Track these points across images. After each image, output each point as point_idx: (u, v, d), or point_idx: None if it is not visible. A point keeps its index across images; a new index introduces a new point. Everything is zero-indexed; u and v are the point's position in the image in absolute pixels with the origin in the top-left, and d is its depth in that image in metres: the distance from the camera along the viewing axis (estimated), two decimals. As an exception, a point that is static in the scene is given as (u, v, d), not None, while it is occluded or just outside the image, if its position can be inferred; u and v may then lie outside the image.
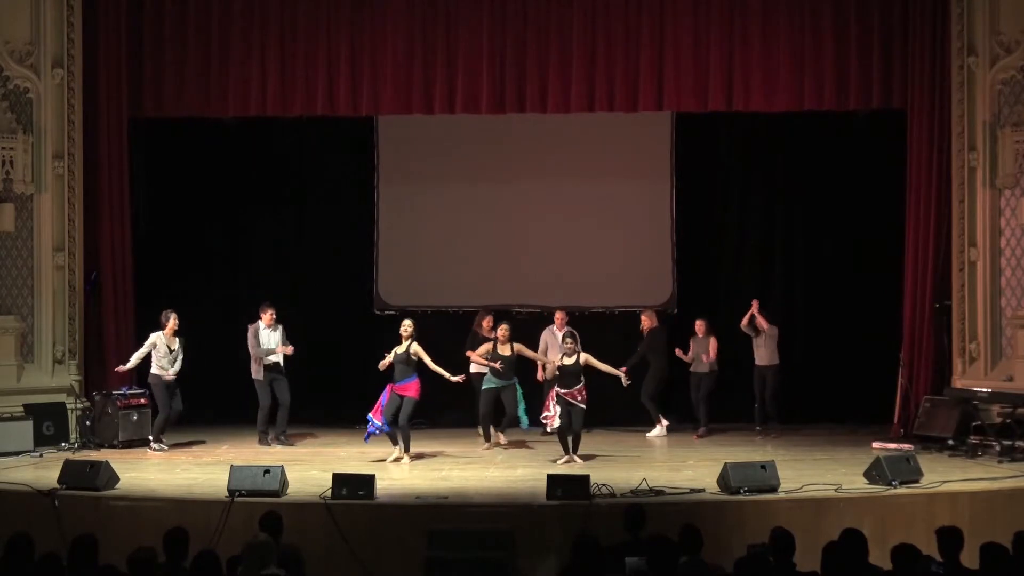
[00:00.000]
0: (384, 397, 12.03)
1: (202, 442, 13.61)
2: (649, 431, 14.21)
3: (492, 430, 13.09)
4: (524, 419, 12.94)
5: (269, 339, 13.28)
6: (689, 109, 14.09)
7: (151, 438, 13.04)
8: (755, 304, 14.02)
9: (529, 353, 13.24)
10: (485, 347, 13.15)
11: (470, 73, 13.82)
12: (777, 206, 15.67)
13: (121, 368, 13.07)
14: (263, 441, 13.28)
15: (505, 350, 12.93)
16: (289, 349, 13.25)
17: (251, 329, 13.28)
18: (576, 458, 12.10)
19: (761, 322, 13.95)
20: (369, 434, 12.18)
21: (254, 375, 13.27)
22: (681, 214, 15.45)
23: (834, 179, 15.19)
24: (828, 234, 15.29)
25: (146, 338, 13.16)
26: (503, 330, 13.02)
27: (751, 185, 15.77)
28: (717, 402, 14.32)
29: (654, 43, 13.75)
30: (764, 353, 14.00)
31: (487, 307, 14.32)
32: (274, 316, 13.33)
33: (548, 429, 12.30)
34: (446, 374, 12.22)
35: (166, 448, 13.01)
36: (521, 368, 13.32)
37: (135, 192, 14.56)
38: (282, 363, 13.36)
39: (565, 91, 13.81)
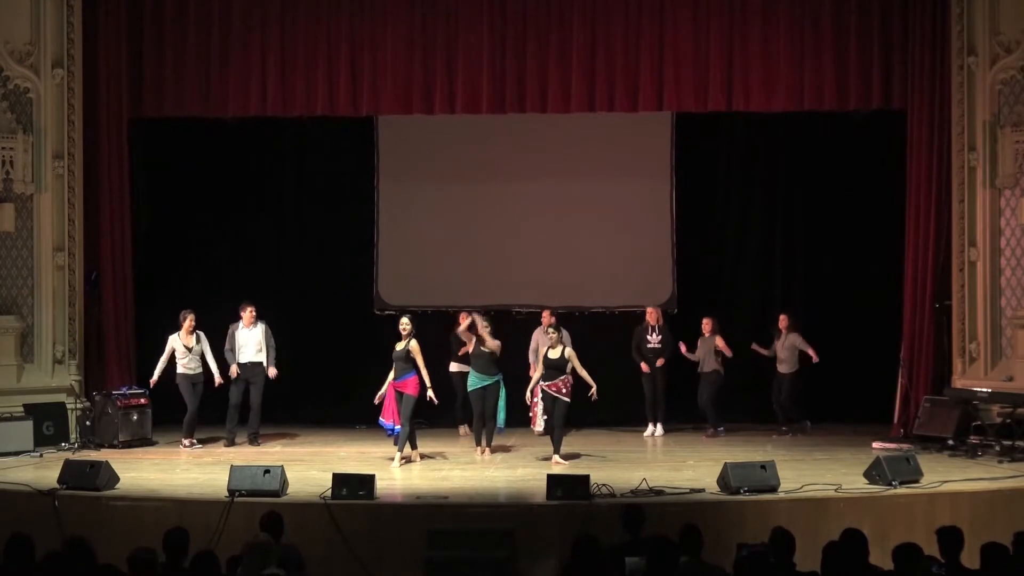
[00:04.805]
0: (390, 397, 11.96)
1: (214, 439, 13.62)
2: (649, 430, 14.27)
3: (482, 440, 12.78)
4: (502, 419, 12.66)
5: (247, 339, 13.32)
6: (689, 109, 14.09)
7: (183, 437, 13.14)
8: (782, 320, 14.14)
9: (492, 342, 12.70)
10: (466, 350, 12.94)
11: (470, 73, 13.82)
12: (777, 206, 15.67)
13: (152, 381, 13.20)
14: (231, 442, 13.29)
15: (487, 346, 12.68)
16: (218, 379, 13.31)
17: (230, 329, 13.39)
18: (558, 458, 11.98)
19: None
20: (391, 434, 12.08)
21: (231, 374, 13.35)
22: (681, 214, 15.45)
23: (834, 179, 15.19)
24: (828, 234, 15.28)
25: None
26: (485, 325, 12.71)
27: (751, 185, 15.76)
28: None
29: (654, 43, 13.75)
30: (782, 360, 14.06)
31: (471, 307, 14.31)
32: (254, 314, 13.35)
33: (535, 431, 12.20)
34: (428, 383, 11.97)
35: (199, 446, 13.14)
36: (505, 364, 12.93)
37: (135, 192, 14.57)
38: (265, 363, 13.39)
39: (565, 91, 13.81)
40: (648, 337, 14.20)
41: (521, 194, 15.55)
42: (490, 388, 12.58)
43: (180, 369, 13.20)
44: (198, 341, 13.29)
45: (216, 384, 13.33)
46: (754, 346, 14.29)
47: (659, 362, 14.09)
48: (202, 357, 13.31)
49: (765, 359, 14.27)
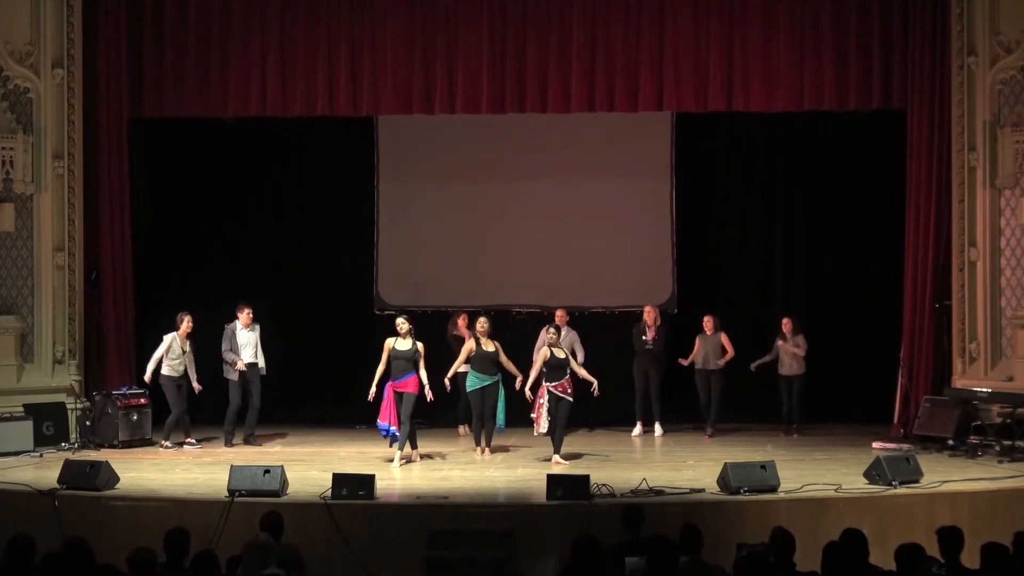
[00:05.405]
0: (388, 399, 11.97)
1: (209, 439, 13.65)
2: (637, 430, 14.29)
3: (481, 440, 12.74)
4: (502, 419, 12.62)
5: (246, 340, 13.32)
6: (689, 109, 14.08)
7: (163, 438, 13.14)
8: (785, 324, 14.10)
9: (507, 363, 12.65)
10: (467, 349, 12.72)
11: (470, 73, 13.82)
12: (777, 206, 15.68)
13: (146, 378, 13.18)
14: (229, 442, 13.27)
15: (488, 346, 12.57)
16: (197, 386, 13.27)
17: (227, 329, 13.34)
18: (558, 458, 11.97)
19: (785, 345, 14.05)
20: (390, 436, 12.07)
21: (226, 375, 13.34)
22: (681, 214, 15.45)
23: (834, 179, 15.19)
24: (828, 234, 15.28)
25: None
26: (482, 323, 12.65)
27: (751, 185, 15.76)
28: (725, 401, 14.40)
29: (654, 43, 13.75)
30: (789, 362, 14.04)
31: (471, 307, 14.31)
32: (251, 315, 13.35)
33: (536, 432, 12.14)
34: (426, 384, 11.96)
35: (198, 445, 13.17)
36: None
37: (135, 192, 14.57)
38: (261, 364, 13.40)
39: (565, 91, 13.81)
40: (644, 337, 14.19)
41: (521, 194, 15.55)
42: (489, 388, 12.55)
43: (166, 370, 13.14)
44: (191, 345, 13.29)
45: (197, 390, 13.30)
46: (754, 366, 14.22)
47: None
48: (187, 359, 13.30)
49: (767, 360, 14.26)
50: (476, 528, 9.60)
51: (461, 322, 14.20)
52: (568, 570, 7.12)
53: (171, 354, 13.16)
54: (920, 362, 13.55)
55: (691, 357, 14.23)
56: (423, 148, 15.62)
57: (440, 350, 13.56)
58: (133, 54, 14.02)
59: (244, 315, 13.34)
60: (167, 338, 13.19)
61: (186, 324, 13.21)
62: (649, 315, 14.23)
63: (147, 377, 13.21)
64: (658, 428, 14.25)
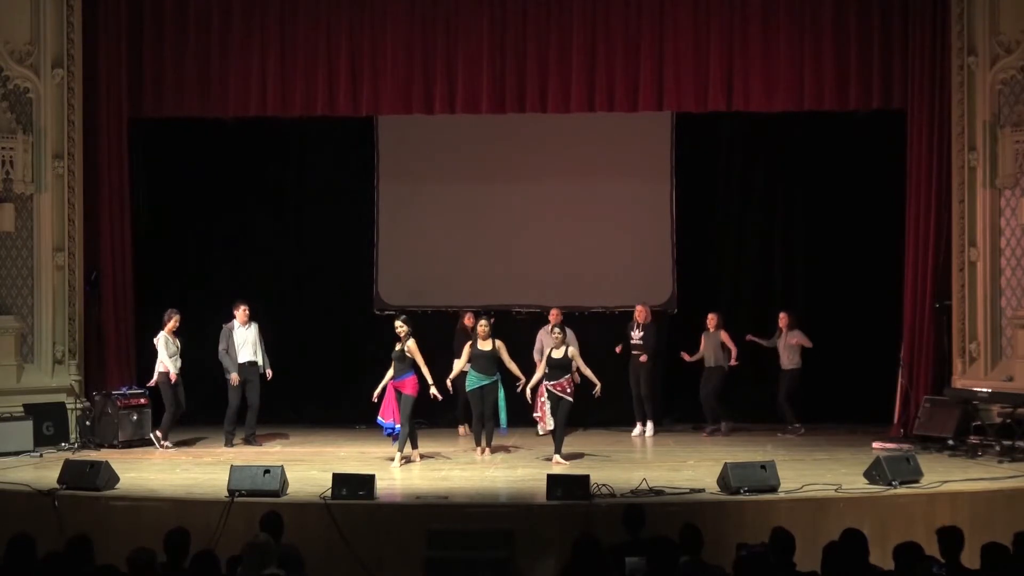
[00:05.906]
0: (389, 396, 11.97)
1: (204, 439, 13.67)
2: (637, 430, 14.29)
3: (482, 440, 12.72)
4: (503, 420, 12.56)
5: (244, 338, 13.31)
6: (689, 109, 14.09)
7: (160, 437, 13.10)
8: (782, 319, 14.14)
9: (508, 361, 12.56)
10: (466, 352, 12.64)
11: (470, 73, 13.82)
12: (777, 206, 15.68)
13: (171, 373, 13.08)
14: (229, 442, 13.25)
15: (486, 345, 12.53)
16: (235, 379, 13.21)
17: (224, 329, 13.34)
18: (558, 458, 11.97)
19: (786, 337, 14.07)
20: (389, 433, 12.08)
21: (226, 374, 13.31)
22: (681, 214, 15.46)
23: (834, 179, 15.18)
24: (828, 234, 15.27)
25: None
26: (482, 325, 12.60)
27: (751, 185, 15.76)
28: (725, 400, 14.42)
29: (654, 43, 13.75)
30: (783, 357, 14.08)
31: (471, 307, 14.31)
32: (248, 313, 13.35)
33: (540, 431, 12.13)
34: (430, 380, 11.96)
35: (170, 446, 13.12)
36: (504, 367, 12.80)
37: (135, 192, 14.57)
38: (260, 363, 13.40)
39: (565, 91, 13.81)
40: (631, 333, 14.21)
41: (521, 194, 15.55)
42: (488, 388, 12.53)
43: (161, 368, 13.15)
44: (178, 343, 13.30)
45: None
46: (750, 337, 14.28)
47: (642, 358, 14.08)
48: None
49: (767, 355, 14.25)
50: (476, 528, 9.60)
51: (467, 321, 14.14)
52: (568, 570, 7.13)
53: (167, 351, 13.17)
54: (920, 362, 13.55)
55: (696, 355, 14.23)
56: (423, 148, 15.62)
57: (441, 350, 13.58)
58: (133, 54, 14.02)
59: (240, 312, 13.33)
60: (160, 339, 13.17)
61: (174, 321, 13.20)
62: (640, 314, 14.24)
63: (171, 371, 13.07)
64: (649, 428, 14.23)
